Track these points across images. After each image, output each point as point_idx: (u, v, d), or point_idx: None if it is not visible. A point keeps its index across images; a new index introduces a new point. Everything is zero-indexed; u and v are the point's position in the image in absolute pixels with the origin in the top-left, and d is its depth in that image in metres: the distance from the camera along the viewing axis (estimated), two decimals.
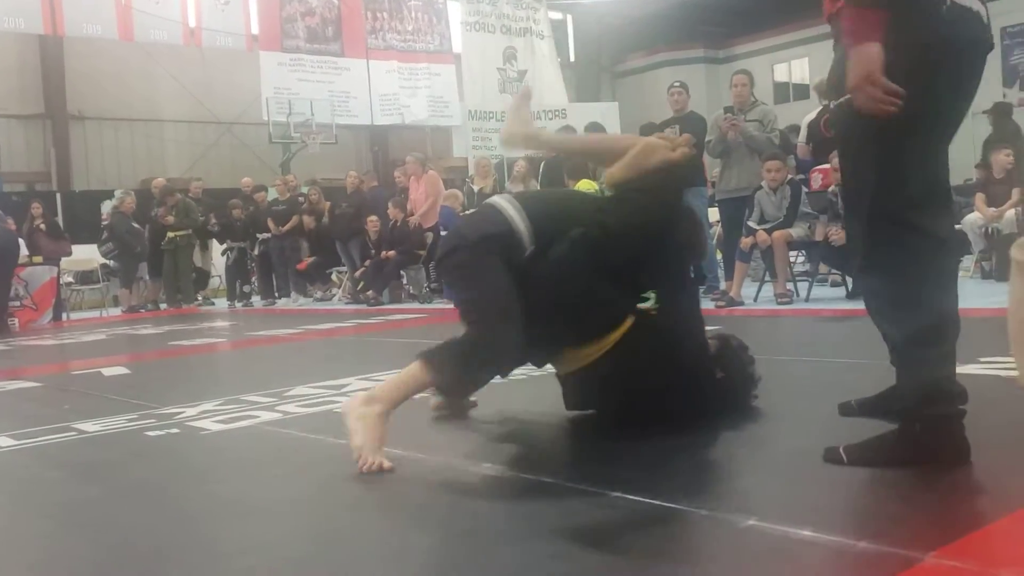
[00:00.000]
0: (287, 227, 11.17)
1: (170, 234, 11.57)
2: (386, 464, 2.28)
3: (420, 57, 16.66)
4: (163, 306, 11.77)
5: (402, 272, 10.31)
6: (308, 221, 11.14)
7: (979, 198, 7.58)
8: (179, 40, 14.49)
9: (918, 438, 1.94)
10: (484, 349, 2.51)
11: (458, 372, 2.51)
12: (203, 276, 12.79)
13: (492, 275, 2.55)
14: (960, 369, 2.01)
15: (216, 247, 12.79)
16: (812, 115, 7.60)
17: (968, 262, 7.46)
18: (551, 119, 14.01)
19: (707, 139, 7.11)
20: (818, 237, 6.51)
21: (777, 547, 1.58)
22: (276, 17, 15.09)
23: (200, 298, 12.22)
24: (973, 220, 7.44)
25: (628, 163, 2.68)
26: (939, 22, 1.89)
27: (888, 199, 1.96)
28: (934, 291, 1.97)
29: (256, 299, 11.86)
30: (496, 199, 2.79)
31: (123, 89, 16.74)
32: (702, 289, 6.64)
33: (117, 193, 12.33)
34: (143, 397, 3.94)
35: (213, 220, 12.11)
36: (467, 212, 2.86)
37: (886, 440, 1.99)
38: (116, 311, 11.88)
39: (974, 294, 5.65)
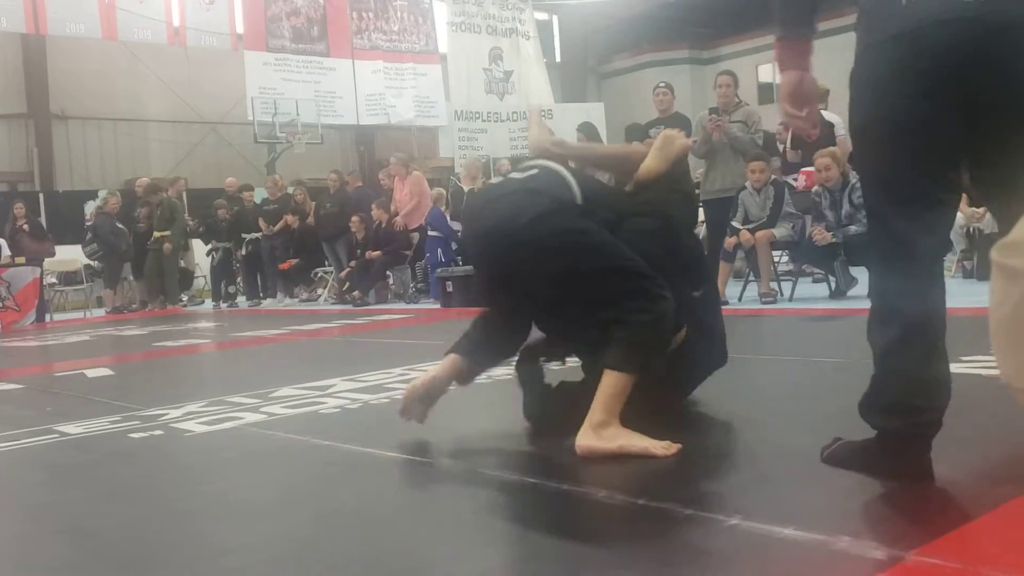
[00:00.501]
0: (278, 227, 11.14)
1: (156, 234, 11.50)
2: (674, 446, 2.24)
3: (406, 57, 16.64)
4: (150, 306, 11.70)
5: (388, 272, 10.29)
6: (292, 220, 11.11)
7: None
8: (163, 39, 14.41)
9: (874, 445, 1.89)
10: (658, 320, 2.36)
11: (652, 353, 2.39)
12: (187, 276, 12.73)
13: (602, 235, 2.45)
14: None
15: (199, 247, 12.73)
16: None
17: (949, 261, 7.51)
18: None
19: (692, 140, 7.13)
20: (816, 238, 6.42)
21: (761, 545, 1.59)
22: (261, 17, 15.04)
23: (184, 298, 12.15)
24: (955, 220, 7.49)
25: (658, 155, 2.68)
26: (897, 17, 1.78)
27: (866, 196, 2.03)
28: (892, 289, 1.88)
29: (242, 300, 11.81)
30: (554, 166, 2.62)
31: (106, 88, 16.64)
32: None
33: (101, 193, 12.28)
34: (127, 399, 3.91)
35: (192, 223, 12.06)
36: (519, 173, 2.61)
37: (865, 445, 1.96)
38: (100, 312, 11.80)
39: (956, 293, 5.66)
